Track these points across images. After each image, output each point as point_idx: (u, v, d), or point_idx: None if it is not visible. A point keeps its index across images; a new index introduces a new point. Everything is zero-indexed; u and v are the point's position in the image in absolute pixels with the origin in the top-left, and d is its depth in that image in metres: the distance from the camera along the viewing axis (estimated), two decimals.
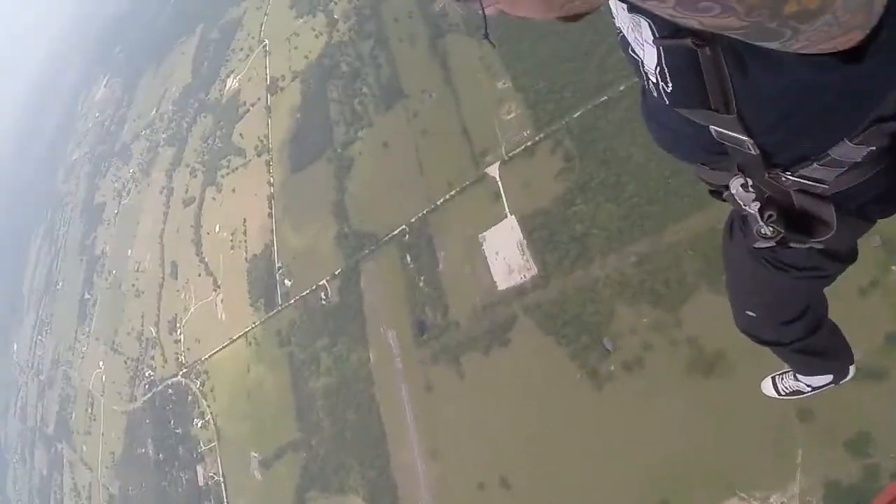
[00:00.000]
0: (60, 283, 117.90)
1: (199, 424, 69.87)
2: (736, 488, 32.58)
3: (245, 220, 71.03)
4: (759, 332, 3.58)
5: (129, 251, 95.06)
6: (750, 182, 2.17)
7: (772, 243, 2.33)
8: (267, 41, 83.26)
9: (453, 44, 55.74)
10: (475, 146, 50.82)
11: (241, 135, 79.73)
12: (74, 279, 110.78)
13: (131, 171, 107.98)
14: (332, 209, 60.15)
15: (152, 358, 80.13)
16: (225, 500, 64.62)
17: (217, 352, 69.21)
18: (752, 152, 1.89)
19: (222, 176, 79.53)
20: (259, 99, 79.04)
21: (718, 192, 2.60)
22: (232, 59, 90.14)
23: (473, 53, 53.45)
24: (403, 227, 52.96)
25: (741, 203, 2.30)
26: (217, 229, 75.66)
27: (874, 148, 1.80)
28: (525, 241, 45.30)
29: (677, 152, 2.52)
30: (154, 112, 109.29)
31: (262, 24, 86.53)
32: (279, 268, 64.41)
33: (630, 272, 39.52)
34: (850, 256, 2.67)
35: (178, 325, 77.26)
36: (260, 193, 70.53)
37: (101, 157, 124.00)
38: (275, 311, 63.09)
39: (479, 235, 47.95)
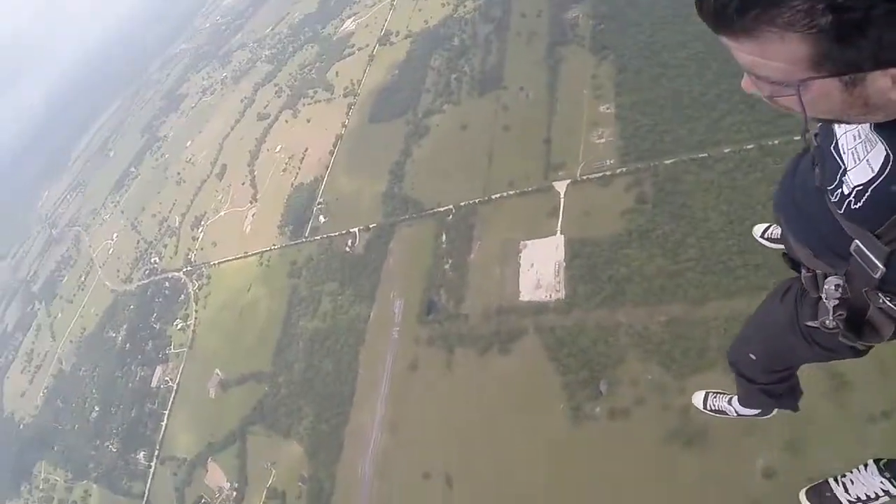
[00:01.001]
0: (113, 152, 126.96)
1: (179, 326, 73.28)
2: None
3: (307, 149, 75.28)
4: (744, 368, 4.43)
5: (189, 143, 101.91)
6: (843, 285, 2.59)
7: (823, 329, 2.78)
8: None
9: (572, 54, 58.25)
10: (552, 157, 52.65)
11: (336, 73, 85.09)
12: (128, 151, 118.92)
13: (224, 75, 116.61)
14: (391, 167, 63.23)
15: (164, 246, 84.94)
16: (169, 407, 67.35)
17: (228, 261, 72.83)
18: (873, 274, 2.26)
19: (304, 104, 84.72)
20: (367, 46, 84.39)
21: (796, 265, 3.11)
22: (359, 3, 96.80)
23: (588, 70, 55.69)
24: (451, 206, 55.20)
25: (823, 296, 2.71)
26: (277, 149, 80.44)
27: None
28: (564, 264, 46.54)
29: (797, 230, 2.88)
30: (269, 30, 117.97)
31: None
32: (319, 203, 67.86)
33: (655, 329, 40.22)
34: (864, 354, 3.07)
35: (203, 222, 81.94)
36: (331, 130, 74.65)
37: (203, 56, 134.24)
38: (298, 241, 66.24)
39: (521, 242, 49.51)
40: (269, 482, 52.86)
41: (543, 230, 48.95)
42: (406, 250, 55.89)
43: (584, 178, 49.92)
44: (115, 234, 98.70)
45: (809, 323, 3.01)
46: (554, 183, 51.10)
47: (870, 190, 2.13)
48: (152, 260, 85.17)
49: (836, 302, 2.66)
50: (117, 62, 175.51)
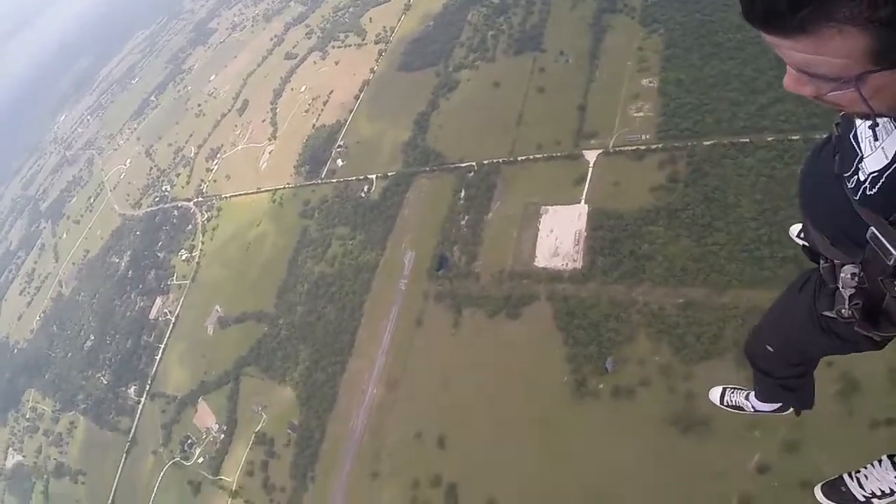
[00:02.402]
0: (137, 79, 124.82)
1: (184, 257, 72.21)
2: None
3: (332, 91, 73.16)
4: (761, 361, 4.39)
5: (213, 76, 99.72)
6: (860, 274, 2.60)
7: (839, 318, 2.81)
8: None
9: (619, 23, 55.53)
10: (585, 125, 50.50)
11: (370, 19, 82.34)
12: (151, 80, 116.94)
13: (256, 12, 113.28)
14: (416, 118, 61.23)
15: (177, 175, 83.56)
16: (165, 341, 66.48)
17: (240, 195, 71.46)
18: (888, 261, 2.26)
19: (333, 47, 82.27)
20: None
21: (814, 255, 3.11)
22: None
23: (634, 41, 53.10)
24: (473, 163, 53.30)
25: (840, 284, 2.75)
26: (302, 89, 78.35)
27: None
28: (585, 234, 44.84)
29: (815, 218, 2.94)
30: None
31: None
32: (339, 146, 66.04)
33: (670, 311, 38.72)
34: (883, 346, 3.04)
35: (218, 155, 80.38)
36: (359, 75, 72.50)
37: None
38: (314, 182, 64.70)
39: (543, 207, 47.74)
40: (259, 427, 52.18)
41: (567, 197, 47.19)
42: (422, 202, 54.29)
43: (617, 149, 47.94)
44: (128, 160, 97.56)
45: (826, 313, 2.98)
46: (584, 151, 49.15)
47: (884, 176, 2.16)
48: (164, 188, 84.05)
49: (853, 291, 2.67)
50: None
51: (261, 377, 54.90)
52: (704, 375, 35.07)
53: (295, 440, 49.23)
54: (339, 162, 64.29)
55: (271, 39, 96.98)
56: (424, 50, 68.95)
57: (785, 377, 4.35)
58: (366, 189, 59.14)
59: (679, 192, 43.16)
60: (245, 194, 71.15)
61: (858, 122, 2.36)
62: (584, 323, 40.79)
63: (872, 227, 2.26)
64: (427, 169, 56.23)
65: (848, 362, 30.75)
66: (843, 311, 2.72)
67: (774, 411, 5.08)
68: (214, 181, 77.09)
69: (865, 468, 4.23)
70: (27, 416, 74.95)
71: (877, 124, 2.21)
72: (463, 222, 50.22)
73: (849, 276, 2.66)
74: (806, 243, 3.51)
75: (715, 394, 5.81)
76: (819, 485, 4.58)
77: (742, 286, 37.17)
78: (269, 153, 73.26)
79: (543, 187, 48.62)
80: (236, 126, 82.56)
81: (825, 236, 2.81)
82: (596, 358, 39.10)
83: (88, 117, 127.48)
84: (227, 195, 73.27)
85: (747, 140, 43.07)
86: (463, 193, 51.94)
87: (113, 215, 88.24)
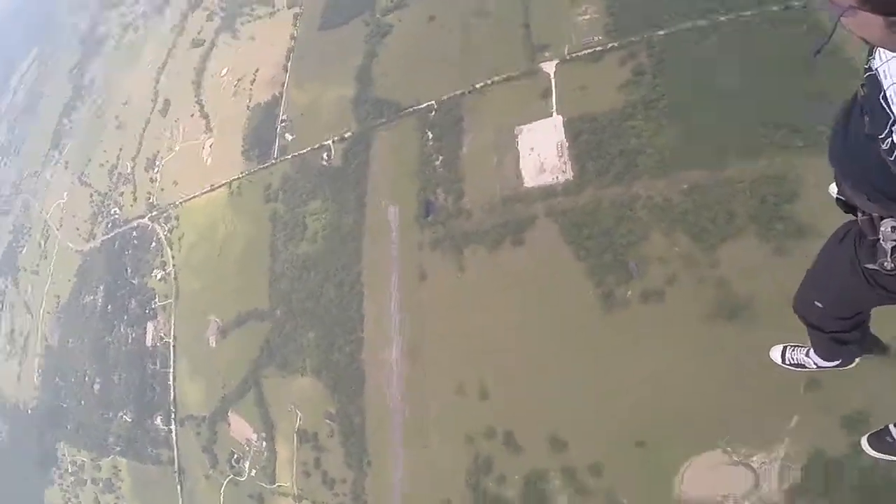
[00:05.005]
0: (40, 107, 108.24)
1: (159, 276, 64.65)
2: (721, 441, 29.90)
3: (257, 69, 64.23)
4: (812, 317, 4.20)
5: (122, 83, 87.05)
6: None
7: (882, 270, 2.78)
8: None
9: None
10: (535, 39, 45.34)
11: None
12: (55, 104, 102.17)
13: (143, 9, 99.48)
14: (356, 73, 54.16)
15: (121, 195, 73.94)
16: (171, 365, 60.11)
17: (194, 197, 63.42)
18: None
19: (242, 23, 71.95)
20: None
21: (851, 208, 3.03)
22: None
23: None
24: (432, 102, 47.53)
25: (881, 237, 2.72)
26: (223, 73, 68.90)
27: None
28: (567, 144, 40.76)
29: (848, 172, 2.87)
30: None
31: None
32: (283, 121, 58.41)
33: (676, 199, 35.50)
34: None
35: (157, 163, 70.93)
36: (279, 45, 63.67)
37: None
38: (268, 163, 57.49)
39: (516, 128, 43.13)
40: (297, 425, 47.83)
41: (538, 112, 42.65)
42: (390, 154, 48.61)
43: (573, 55, 43.20)
44: (64, 193, 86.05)
45: (869, 265, 2.91)
46: (541, 64, 44.18)
47: None
48: (112, 212, 74.55)
49: (894, 243, 2.67)
50: (22, 13, 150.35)
51: (281, 375, 49.90)
52: (730, 258, 32.40)
53: (337, 430, 45.15)
54: (288, 136, 56.99)
55: (171, 30, 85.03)
56: (344, 2, 60.71)
57: (837, 331, 4.07)
58: (325, 156, 52.57)
59: (648, 84, 39.19)
60: (199, 195, 63.12)
61: (885, 83, 2.32)
62: (594, 232, 37.33)
63: None
64: (384, 120, 50.07)
65: None
66: (885, 263, 2.68)
67: (837, 366, 4.68)
68: (162, 190, 68.28)
69: None
70: (69, 471, 69.67)
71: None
72: (438, 163, 45.15)
73: (889, 229, 2.63)
74: (840, 196, 3.18)
75: (776, 353, 5.51)
76: (865, 436, 4.80)
77: (742, 159, 33.90)
78: (210, 146, 64.77)
79: (512, 108, 43.76)
80: (164, 129, 72.64)
81: (862, 193, 2.72)
82: (614, 266, 35.87)
83: (5, 160, 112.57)
84: (181, 201, 65.01)
85: (705, 22, 38.71)
86: (430, 135, 46.49)
87: (70, 255, 78.45)
